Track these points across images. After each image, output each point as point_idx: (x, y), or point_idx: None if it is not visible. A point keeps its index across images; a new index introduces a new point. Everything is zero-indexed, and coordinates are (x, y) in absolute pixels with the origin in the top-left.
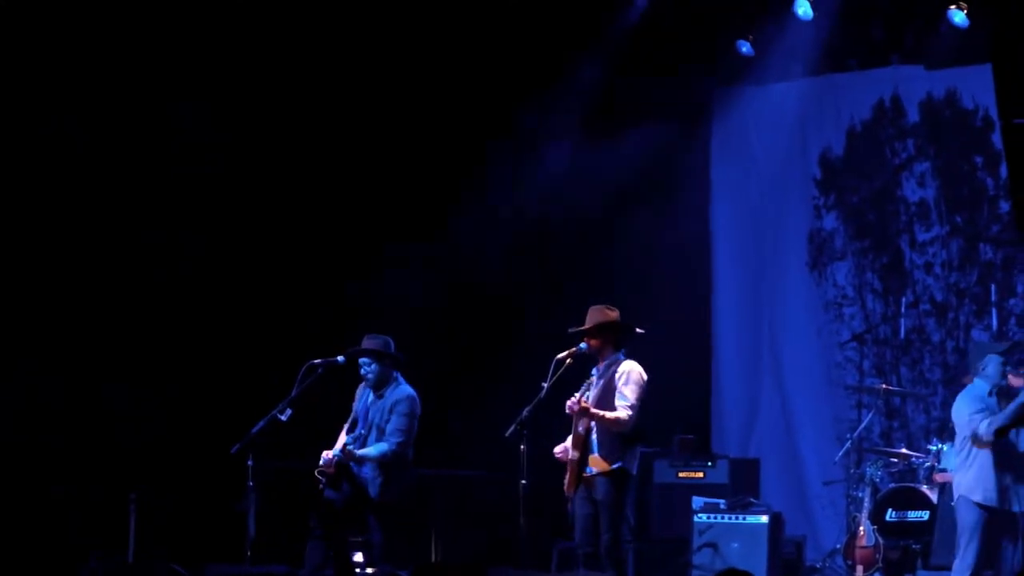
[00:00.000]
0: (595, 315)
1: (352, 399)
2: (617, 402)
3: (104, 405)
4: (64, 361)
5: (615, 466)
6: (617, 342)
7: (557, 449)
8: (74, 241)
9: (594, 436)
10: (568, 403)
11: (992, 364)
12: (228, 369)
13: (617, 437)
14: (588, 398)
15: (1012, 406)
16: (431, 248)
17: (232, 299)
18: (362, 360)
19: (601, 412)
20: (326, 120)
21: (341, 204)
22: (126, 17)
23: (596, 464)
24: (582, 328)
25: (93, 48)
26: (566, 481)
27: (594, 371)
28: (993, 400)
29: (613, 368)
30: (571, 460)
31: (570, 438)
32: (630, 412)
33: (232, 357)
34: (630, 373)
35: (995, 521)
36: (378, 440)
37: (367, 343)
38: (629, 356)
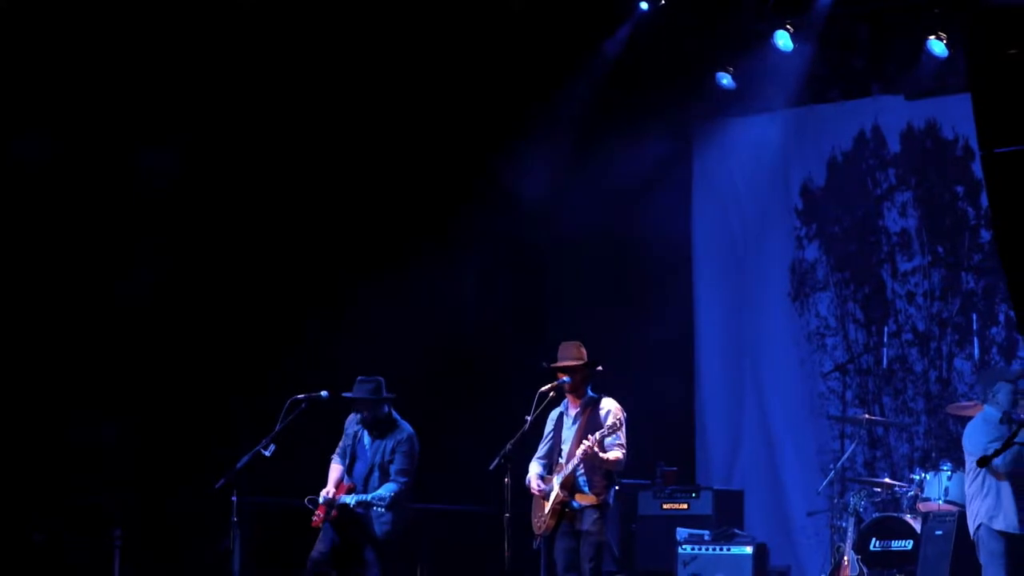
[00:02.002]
0: (571, 351)
1: (337, 432)
2: (610, 441)
3: (79, 442)
4: (31, 396)
5: (601, 500)
6: (591, 378)
7: (535, 487)
8: (36, 274)
9: (581, 472)
10: (583, 447)
11: (1003, 391)
12: (206, 401)
13: (603, 473)
14: (572, 434)
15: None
16: (410, 280)
17: (204, 336)
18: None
19: (604, 456)
20: (297, 152)
21: (314, 233)
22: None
23: (585, 499)
24: (566, 365)
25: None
26: (542, 517)
27: (564, 406)
28: (1004, 428)
29: (593, 406)
30: (556, 500)
31: (535, 470)
32: (623, 451)
33: (207, 390)
34: (614, 412)
35: (1018, 548)
36: (382, 479)
37: (360, 388)
38: (609, 389)
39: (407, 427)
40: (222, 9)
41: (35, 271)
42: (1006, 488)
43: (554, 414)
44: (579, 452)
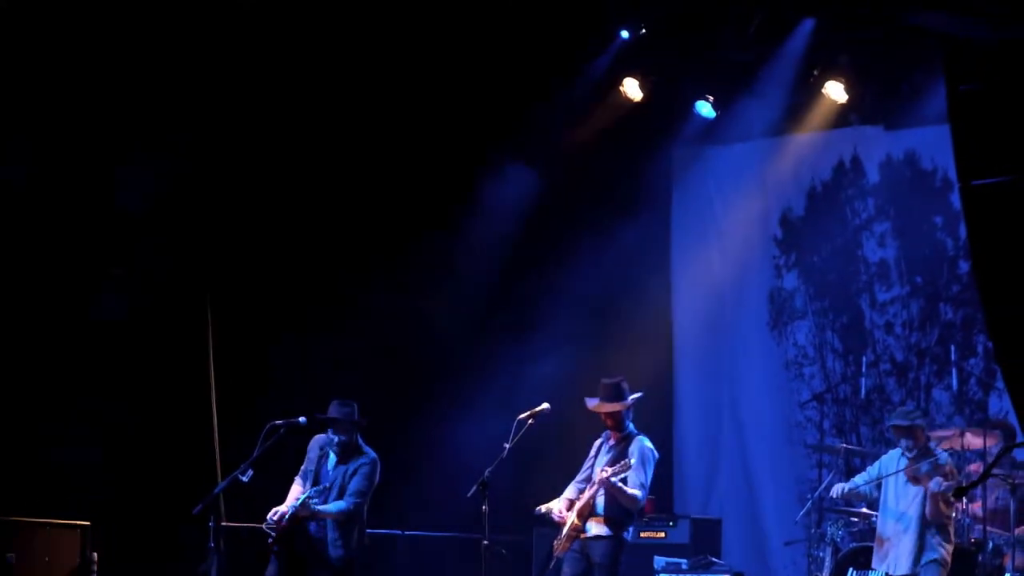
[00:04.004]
0: (611, 391)
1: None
2: (634, 479)
3: (55, 465)
4: (5, 417)
5: (615, 532)
6: (630, 411)
7: (555, 512)
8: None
9: (600, 500)
10: (598, 474)
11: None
12: (184, 424)
13: (621, 506)
14: (604, 463)
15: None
16: (390, 301)
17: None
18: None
19: (621, 487)
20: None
21: (284, 256)
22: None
23: (599, 526)
24: (605, 410)
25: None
26: (559, 540)
27: (605, 436)
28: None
29: (627, 442)
30: (571, 527)
31: (561, 501)
32: (643, 492)
33: (186, 413)
34: (644, 452)
35: None
36: (339, 499)
37: (336, 410)
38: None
39: (371, 452)
40: (221, 7)
41: (10, 286)
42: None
43: (597, 443)
44: (596, 479)
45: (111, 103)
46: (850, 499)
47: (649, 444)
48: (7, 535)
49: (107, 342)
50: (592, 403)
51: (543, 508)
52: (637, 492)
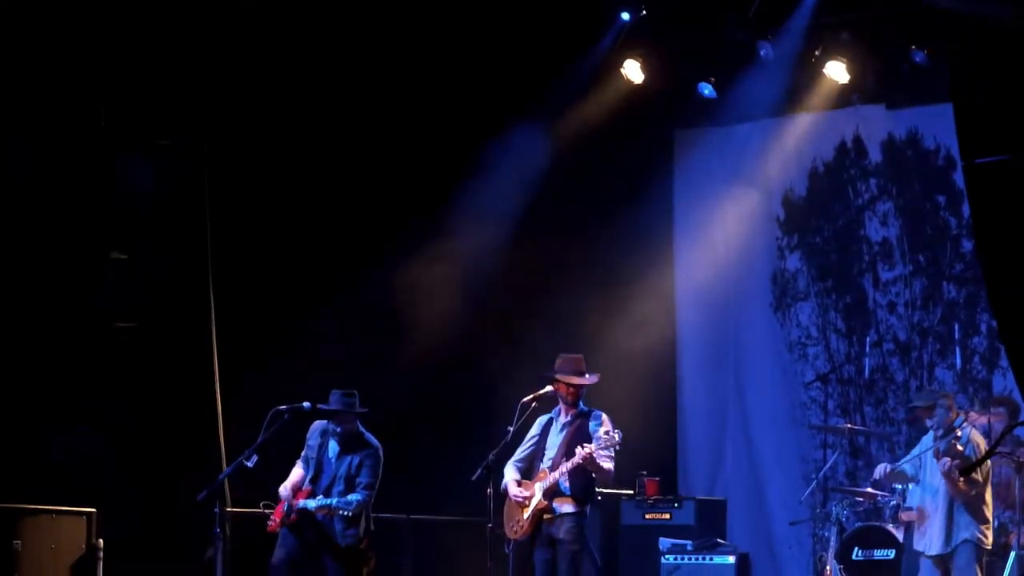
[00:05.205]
0: (578, 365)
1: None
2: (602, 453)
3: (59, 452)
4: (11, 404)
5: (580, 507)
6: (583, 391)
7: (512, 492)
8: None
9: (565, 479)
10: (580, 455)
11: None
12: (189, 410)
13: (588, 480)
14: (559, 441)
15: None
16: (391, 279)
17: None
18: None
19: (599, 463)
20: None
21: (288, 241)
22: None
23: (565, 503)
24: (571, 381)
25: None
26: (519, 522)
27: (555, 413)
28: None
29: (584, 418)
30: (537, 506)
31: (512, 478)
32: (612, 464)
33: (191, 398)
34: (607, 426)
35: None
36: (346, 490)
37: (337, 400)
38: (591, 397)
39: (374, 441)
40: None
41: (11, 282)
42: None
43: (542, 419)
44: (577, 457)
45: (111, 98)
46: (893, 478)
47: (608, 417)
48: (13, 522)
49: (111, 331)
50: (563, 375)
51: (514, 493)
52: (610, 466)
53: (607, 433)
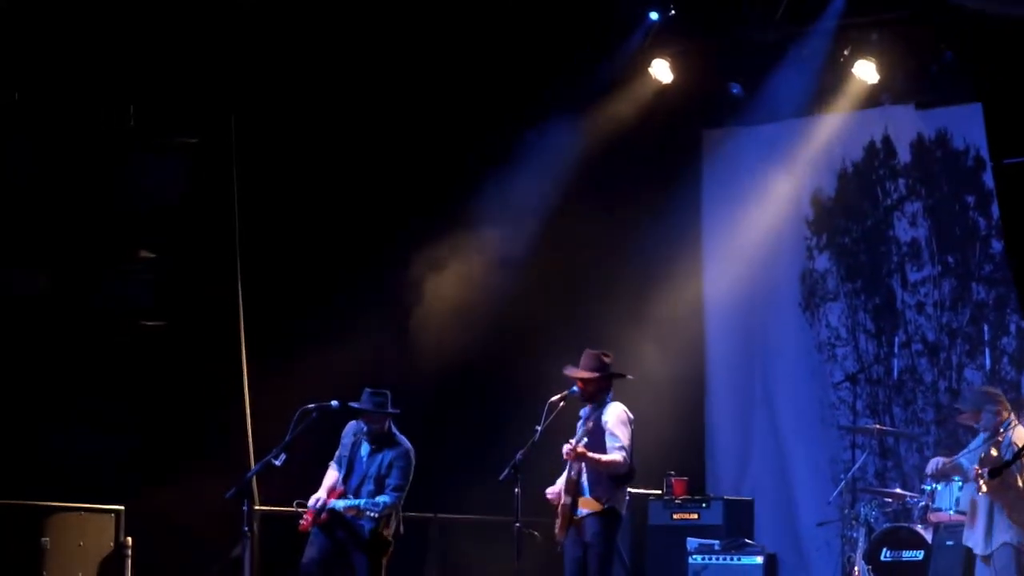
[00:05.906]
0: (591, 360)
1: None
2: (609, 444)
3: (87, 449)
4: (32, 398)
5: (606, 506)
6: (608, 387)
7: (549, 492)
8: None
9: (584, 478)
10: (564, 449)
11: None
12: (215, 408)
13: (608, 478)
14: (582, 442)
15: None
16: (423, 292)
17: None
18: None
19: (596, 456)
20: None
21: (307, 237)
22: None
23: (587, 505)
24: (579, 375)
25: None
26: (557, 525)
27: (583, 412)
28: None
29: (600, 411)
30: (563, 505)
31: (561, 481)
32: (623, 453)
33: (216, 396)
34: (617, 414)
35: None
36: (375, 490)
37: (368, 400)
38: (617, 397)
39: (405, 442)
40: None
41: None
42: None
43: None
44: (565, 456)
45: (138, 97)
46: (951, 471)
47: (621, 406)
48: (41, 520)
49: (139, 328)
50: (569, 370)
51: (549, 492)
52: (616, 456)
53: (610, 426)
